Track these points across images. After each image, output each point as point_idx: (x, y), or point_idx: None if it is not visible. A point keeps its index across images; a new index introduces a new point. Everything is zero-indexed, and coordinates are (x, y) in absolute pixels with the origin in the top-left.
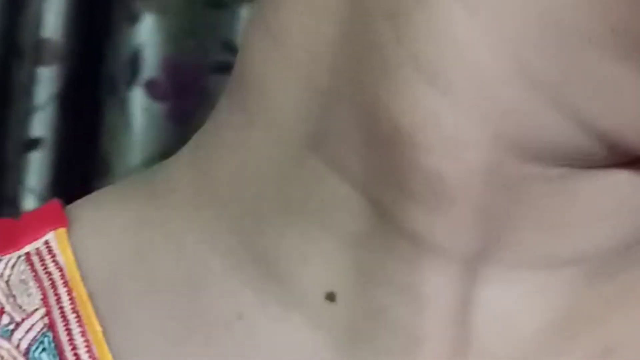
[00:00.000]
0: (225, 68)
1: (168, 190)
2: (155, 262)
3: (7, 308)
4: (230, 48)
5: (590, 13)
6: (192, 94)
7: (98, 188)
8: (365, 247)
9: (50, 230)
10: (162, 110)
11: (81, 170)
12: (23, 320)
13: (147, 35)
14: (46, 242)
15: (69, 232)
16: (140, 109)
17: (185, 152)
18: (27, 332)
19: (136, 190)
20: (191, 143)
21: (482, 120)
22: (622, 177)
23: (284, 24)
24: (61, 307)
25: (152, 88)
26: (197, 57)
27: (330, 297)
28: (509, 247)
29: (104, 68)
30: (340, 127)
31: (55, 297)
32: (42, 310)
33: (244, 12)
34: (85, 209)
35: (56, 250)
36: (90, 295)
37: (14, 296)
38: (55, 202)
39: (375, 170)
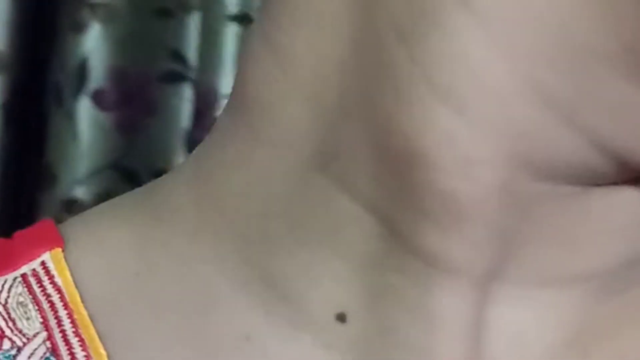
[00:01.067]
0: (173, 77)
1: (169, 209)
2: (158, 282)
3: (7, 332)
4: (178, 57)
5: (604, 32)
6: (140, 103)
7: (44, 199)
8: (377, 267)
9: (46, 250)
10: (109, 120)
11: (27, 181)
12: (24, 344)
13: (93, 44)
14: (42, 263)
15: (65, 252)
16: (86, 119)
17: (184, 170)
18: (30, 357)
19: (134, 210)
20: (190, 160)
21: (496, 140)
22: (631, 194)
23: (288, 42)
24: (63, 331)
25: (98, 98)
26: (145, 67)
27: (341, 317)
28: (521, 265)
29: (49, 78)
30: (349, 147)
31: (56, 320)
32: (44, 334)
33: (192, 21)
34: (79, 228)
35: (53, 272)
36: (91, 317)
37: (13, 320)
38: (48, 221)
39: (387, 190)
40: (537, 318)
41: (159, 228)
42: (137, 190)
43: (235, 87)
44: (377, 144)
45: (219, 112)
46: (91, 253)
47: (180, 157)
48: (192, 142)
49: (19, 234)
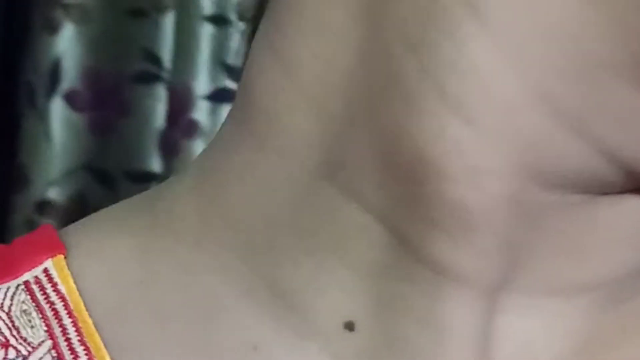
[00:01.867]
0: (147, 78)
1: (172, 217)
2: (162, 291)
3: (12, 341)
4: (152, 58)
5: (613, 43)
6: (113, 104)
7: (17, 201)
8: (385, 277)
9: (48, 257)
10: (82, 120)
11: None
12: (30, 353)
13: (66, 44)
14: (45, 270)
15: (67, 259)
16: (60, 120)
17: (187, 177)
18: None
19: (136, 217)
20: (193, 167)
21: (506, 150)
22: (637, 202)
23: (294, 50)
24: (68, 339)
25: (72, 98)
26: (118, 67)
27: (349, 326)
28: (529, 275)
29: (22, 78)
30: (356, 156)
31: (60, 329)
32: (49, 343)
33: (166, 22)
34: (81, 235)
35: (56, 279)
36: (96, 326)
37: (17, 328)
38: (48, 227)
39: (396, 200)
40: (545, 327)
41: (162, 236)
42: (138, 197)
43: (239, 96)
44: (385, 153)
45: (193, 113)
46: (94, 260)
47: (154, 158)
48: (166, 142)
49: (18, 240)
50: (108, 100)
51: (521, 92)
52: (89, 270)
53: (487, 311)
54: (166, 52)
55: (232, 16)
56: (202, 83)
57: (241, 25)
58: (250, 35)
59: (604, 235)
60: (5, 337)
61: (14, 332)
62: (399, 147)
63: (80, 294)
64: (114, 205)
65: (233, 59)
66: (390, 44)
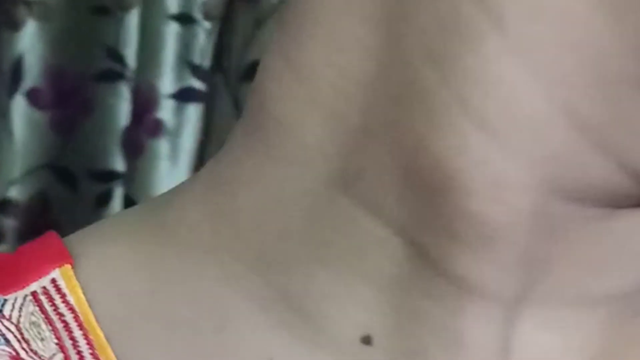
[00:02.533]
0: (110, 76)
1: (181, 226)
2: (173, 302)
3: (23, 354)
4: (115, 56)
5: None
6: (76, 102)
7: None
8: (403, 290)
9: (55, 267)
10: (44, 119)
11: None
12: None
13: (29, 42)
14: (53, 280)
15: (74, 269)
16: (21, 118)
17: (195, 185)
18: None
19: (144, 226)
20: (202, 175)
21: (529, 164)
22: None
23: (308, 60)
24: (79, 352)
25: (34, 96)
26: (82, 65)
27: (366, 340)
28: (547, 287)
29: None
30: (374, 168)
31: (71, 341)
32: (60, 356)
33: (131, 20)
34: (88, 244)
35: (65, 290)
36: (107, 338)
37: (27, 341)
38: (53, 235)
39: (416, 212)
40: (562, 339)
41: (172, 246)
42: (145, 204)
43: (250, 103)
44: (405, 165)
45: (158, 112)
46: (102, 270)
47: (117, 157)
48: (130, 142)
49: (23, 249)
50: (71, 98)
51: (546, 107)
52: (97, 280)
53: (506, 324)
54: (130, 51)
55: (198, 15)
56: (167, 82)
57: (207, 24)
58: (218, 34)
59: (621, 248)
60: (15, 350)
61: (24, 345)
62: (420, 160)
63: (90, 305)
64: (119, 213)
65: (199, 58)
66: (410, 55)
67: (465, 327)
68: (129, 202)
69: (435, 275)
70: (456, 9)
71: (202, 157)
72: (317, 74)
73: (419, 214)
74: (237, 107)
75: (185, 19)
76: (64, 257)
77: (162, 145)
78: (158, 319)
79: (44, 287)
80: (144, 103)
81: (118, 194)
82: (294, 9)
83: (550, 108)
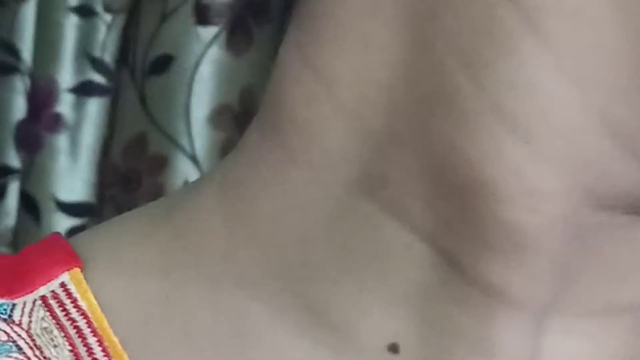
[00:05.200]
0: (3, 69)
1: (195, 230)
2: (189, 307)
3: None
4: (9, 49)
5: None
6: None
7: None
8: (431, 298)
9: (64, 270)
10: None
11: None
12: None
13: None
14: (62, 284)
15: (84, 272)
16: None
17: (209, 186)
18: None
19: (155, 228)
20: (216, 177)
21: (563, 171)
22: None
23: (330, 63)
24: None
25: None
26: None
27: (393, 348)
28: (576, 296)
29: None
30: (400, 173)
31: (85, 348)
32: None
33: (27, 11)
34: (97, 246)
35: (76, 294)
36: (122, 345)
37: (39, 348)
38: (58, 236)
39: (445, 219)
40: (590, 347)
41: (186, 249)
42: (153, 206)
43: (266, 106)
44: (433, 171)
45: (57, 107)
46: (113, 274)
47: (11, 152)
48: (28, 137)
49: (28, 250)
50: None
51: (581, 113)
52: (108, 284)
53: (535, 332)
54: (26, 43)
55: (98, 7)
56: (66, 75)
57: (108, 17)
58: (124, 28)
59: None
60: (28, 358)
61: (37, 352)
62: (451, 166)
63: (102, 310)
64: (126, 214)
65: (99, 51)
66: (440, 59)
67: (494, 335)
68: (25, 198)
69: (464, 282)
70: (490, 11)
71: (105, 153)
72: (339, 77)
73: (448, 221)
74: (143, 101)
75: (85, 11)
76: (72, 260)
77: (62, 140)
78: (175, 325)
79: (53, 291)
80: (42, 97)
81: (13, 189)
82: (313, 8)
83: (586, 114)
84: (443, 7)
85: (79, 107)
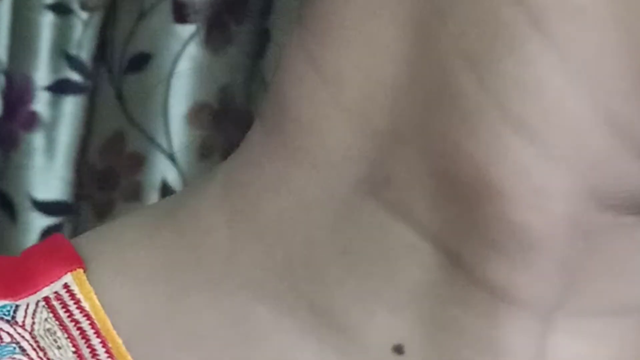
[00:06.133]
0: None
1: (199, 230)
2: (193, 307)
3: None
4: None
5: None
6: None
7: None
8: (436, 298)
9: (66, 271)
10: None
11: None
12: None
13: None
14: (65, 285)
15: (87, 273)
16: None
17: (212, 186)
18: None
19: (158, 228)
20: (218, 177)
21: (569, 171)
22: None
23: (334, 61)
24: None
25: None
26: None
27: (398, 349)
28: (582, 297)
29: None
30: (404, 173)
31: (89, 349)
32: None
33: (1, 9)
34: (99, 247)
35: (79, 295)
36: (126, 346)
37: (43, 349)
38: (60, 237)
39: (450, 219)
40: (596, 348)
41: (189, 249)
42: (154, 206)
43: (270, 105)
44: (438, 171)
45: (33, 105)
46: (117, 275)
47: None
48: (3, 135)
49: (30, 252)
50: None
51: (588, 112)
52: (111, 285)
53: (541, 333)
54: (1, 41)
55: (75, 5)
56: (42, 73)
57: (84, 15)
58: (101, 26)
59: None
60: (31, 359)
61: (40, 354)
62: (456, 166)
63: (106, 311)
64: (128, 216)
65: (75, 49)
66: (445, 59)
67: (500, 335)
68: (0, 196)
69: (470, 283)
70: (495, 10)
71: (82, 151)
72: (344, 76)
73: (454, 221)
74: (121, 99)
75: (61, 8)
76: (75, 260)
77: (38, 138)
78: (179, 326)
79: (56, 292)
80: (18, 95)
81: None
82: (318, 7)
83: (593, 113)
84: (448, 7)
85: (55, 106)
